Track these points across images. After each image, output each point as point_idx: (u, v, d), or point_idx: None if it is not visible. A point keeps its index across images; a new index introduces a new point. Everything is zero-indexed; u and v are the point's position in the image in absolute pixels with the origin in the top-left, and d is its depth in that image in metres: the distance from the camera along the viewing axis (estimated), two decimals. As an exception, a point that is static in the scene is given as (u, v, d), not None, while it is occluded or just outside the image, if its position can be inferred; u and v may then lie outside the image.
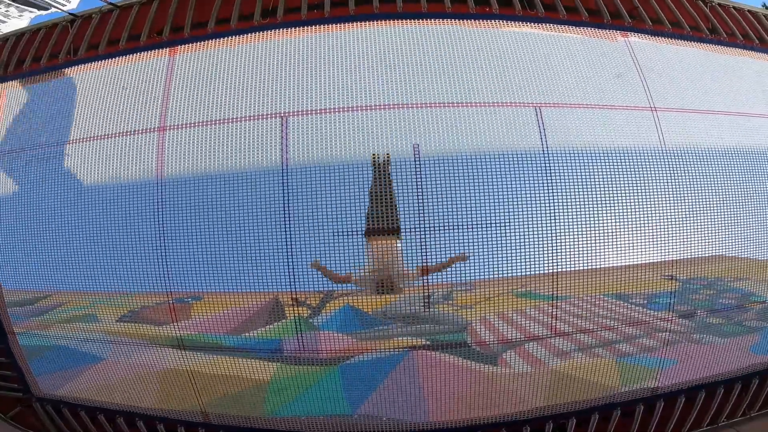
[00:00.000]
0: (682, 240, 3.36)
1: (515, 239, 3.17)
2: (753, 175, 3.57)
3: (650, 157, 3.36)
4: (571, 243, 3.21)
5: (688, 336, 3.56)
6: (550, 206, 3.20)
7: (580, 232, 3.22)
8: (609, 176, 3.28)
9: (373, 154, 3.12)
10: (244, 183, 3.21)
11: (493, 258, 3.16)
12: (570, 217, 3.21)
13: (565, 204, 3.21)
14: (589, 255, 3.24)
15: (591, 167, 3.26)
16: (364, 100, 3.23)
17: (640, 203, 3.32)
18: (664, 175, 3.36)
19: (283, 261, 3.17)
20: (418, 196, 3.13)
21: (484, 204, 3.17)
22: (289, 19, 3.49)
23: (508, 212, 3.17)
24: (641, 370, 3.58)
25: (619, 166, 3.31)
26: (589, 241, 3.23)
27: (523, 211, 3.18)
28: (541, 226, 3.19)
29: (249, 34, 3.42)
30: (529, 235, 3.18)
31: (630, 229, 3.29)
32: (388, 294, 3.19)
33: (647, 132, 3.40)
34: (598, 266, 3.28)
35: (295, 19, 3.49)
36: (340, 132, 3.18)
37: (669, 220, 3.35)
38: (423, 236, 3.13)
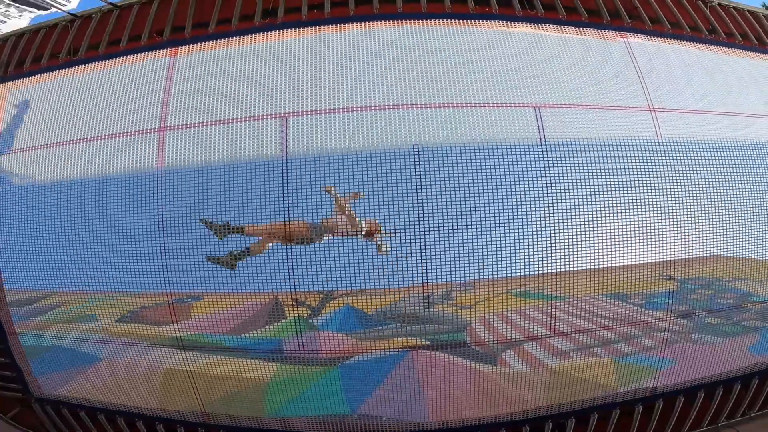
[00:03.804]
0: (681, 240, 3.36)
1: (515, 239, 3.17)
2: (752, 175, 3.57)
3: (650, 158, 3.37)
4: (570, 243, 3.22)
5: (686, 336, 3.57)
6: (549, 207, 3.20)
7: (579, 233, 3.23)
8: (608, 177, 3.29)
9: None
10: (244, 183, 3.21)
11: (493, 258, 3.16)
12: (569, 217, 3.21)
13: (564, 204, 3.22)
14: (588, 255, 3.24)
15: (590, 168, 3.26)
16: (364, 100, 3.24)
17: (639, 204, 3.32)
18: (663, 175, 3.37)
19: (283, 261, 3.17)
20: (417, 196, 3.15)
21: (483, 204, 3.17)
22: (289, 19, 3.50)
23: (508, 213, 3.18)
24: (640, 369, 3.58)
25: (619, 167, 3.31)
26: (587, 242, 3.23)
27: (522, 211, 3.19)
28: (540, 226, 3.19)
29: (250, 35, 3.42)
30: (528, 234, 3.18)
31: (629, 230, 3.30)
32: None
33: (647, 132, 3.41)
34: (597, 266, 3.28)
35: (296, 19, 3.50)
36: (340, 132, 3.19)
37: (668, 220, 3.36)
38: (423, 236, 3.14)
